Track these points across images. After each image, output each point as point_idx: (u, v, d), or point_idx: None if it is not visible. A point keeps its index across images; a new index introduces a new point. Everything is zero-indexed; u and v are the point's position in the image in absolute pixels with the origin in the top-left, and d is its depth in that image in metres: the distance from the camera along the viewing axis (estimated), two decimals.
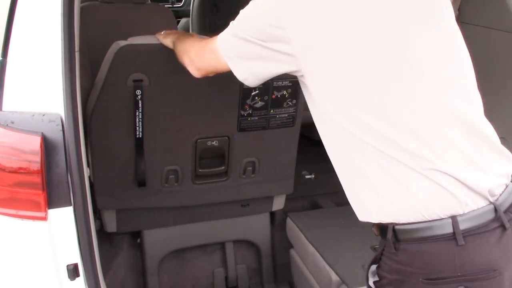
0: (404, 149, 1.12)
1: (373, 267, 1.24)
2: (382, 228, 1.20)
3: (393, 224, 1.15)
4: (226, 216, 2.28)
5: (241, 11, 1.25)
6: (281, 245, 2.42)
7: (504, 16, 2.10)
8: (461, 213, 1.12)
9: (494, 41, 2.16)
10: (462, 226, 1.10)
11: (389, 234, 1.15)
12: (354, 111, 1.14)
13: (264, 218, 2.38)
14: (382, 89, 1.13)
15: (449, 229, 1.10)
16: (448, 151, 1.13)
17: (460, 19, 2.32)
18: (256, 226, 2.37)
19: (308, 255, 2.16)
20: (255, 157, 2.11)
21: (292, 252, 2.35)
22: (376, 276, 1.23)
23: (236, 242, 2.38)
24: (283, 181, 2.24)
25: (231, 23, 1.27)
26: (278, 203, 2.35)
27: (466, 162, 1.14)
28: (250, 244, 2.40)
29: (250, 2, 1.23)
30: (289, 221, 2.37)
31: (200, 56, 1.39)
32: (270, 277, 2.41)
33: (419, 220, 1.12)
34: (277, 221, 2.43)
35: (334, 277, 1.95)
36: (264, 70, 1.26)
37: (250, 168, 2.12)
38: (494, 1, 2.16)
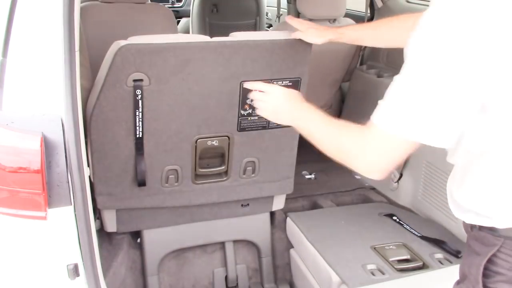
0: None
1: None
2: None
3: None
4: (226, 216, 2.28)
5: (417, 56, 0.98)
6: (281, 245, 2.42)
7: None
8: None
9: None
10: None
11: (508, 233, 1.10)
12: None
13: (264, 218, 2.38)
14: None
15: None
16: None
17: None
18: (256, 226, 2.37)
19: (308, 255, 2.16)
20: (255, 157, 2.11)
21: (292, 252, 2.35)
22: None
23: (236, 242, 2.38)
24: (283, 181, 2.24)
25: (392, 89, 1.01)
26: (278, 203, 2.35)
27: None
28: (250, 244, 2.40)
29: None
30: (289, 221, 2.37)
31: (368, 153, 1.09)
32: (270, 277, 2.41)
33: None
34: (277, 221, 2.43)
35: (334, 277, 1.95)
36: (453, 123, 1.00)
37: (250, 168, 2.12)
38: None
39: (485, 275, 1.15)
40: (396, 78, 1.02)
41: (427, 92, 0.96)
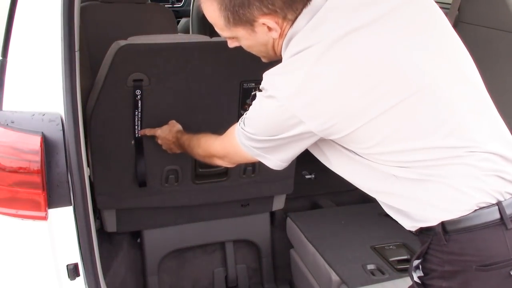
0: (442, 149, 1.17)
1: (416, 262, 1.25)
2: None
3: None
4: (226, 216, 2.28)
5: (248, 116, 1.30)
6: (281, 245, 2.42)
7: (503, 16, 2.11)
8: (502, 199, 1.17)
9: (494, 40, 2.16)
10: (508, 211, 1.16)
11: (438, 228, 1.18)
12: (395, 144, 1.19)
13: (264, 218, 2.38)
14: (409, 118, 1.18)
15: (497, 215, 1.15)
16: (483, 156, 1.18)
17: (460, 19, 2.32)
18: (256, 226, 2.37)
19: (308, 255, 2.16)
20: None
21: (292, 252, 2.35)
22: (420, 271, 1.25)
23: (236, 242, 2.38)
24: (283, 181, 2.23)
25: (240, 127, 1.33)
26: (278, 203, 2.35)
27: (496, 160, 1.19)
28: (250, 244, 2.40)
29: (254, 109, 1.28)
30: (289, 221, 2.37)
31: (231, 157, 1.50)
32: (270, 277, 2.41)
33: (468, 212, 1.16)
34: (277, 221, 2.43)
35: (334, 277, 1.95)
36: (293, 153, 1.32)
37: (250, 167, 2.12)
38: (493, 1, 2.16)
39: (424, 273, 1.24)
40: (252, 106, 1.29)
41: (263, 136, 1.28)
